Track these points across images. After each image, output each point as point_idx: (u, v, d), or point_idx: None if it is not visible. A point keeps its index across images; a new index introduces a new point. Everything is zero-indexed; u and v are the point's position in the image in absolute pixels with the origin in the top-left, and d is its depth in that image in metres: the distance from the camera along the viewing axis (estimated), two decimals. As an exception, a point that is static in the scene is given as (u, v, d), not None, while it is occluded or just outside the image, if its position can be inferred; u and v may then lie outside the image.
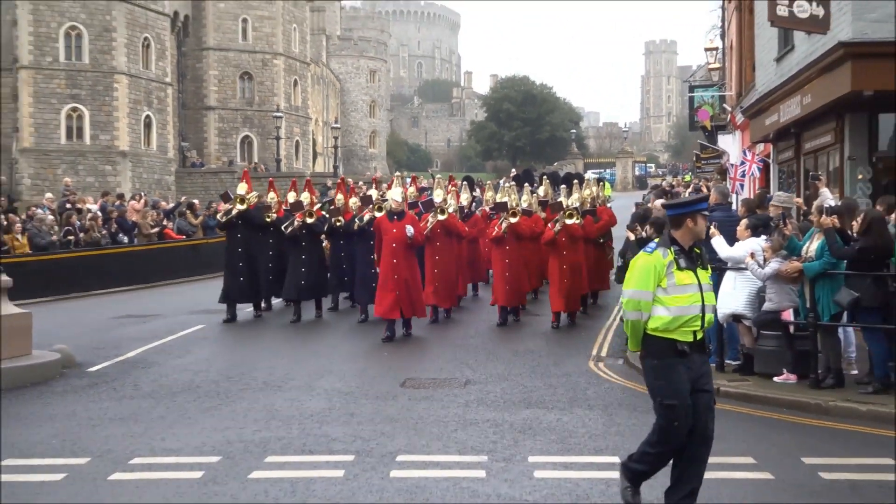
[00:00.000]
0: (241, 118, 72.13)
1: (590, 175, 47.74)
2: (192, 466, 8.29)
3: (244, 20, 71.43)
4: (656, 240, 6.79)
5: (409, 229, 15.25)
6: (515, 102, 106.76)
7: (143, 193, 38.57)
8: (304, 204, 17.89)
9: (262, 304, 18.89)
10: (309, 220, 17.53)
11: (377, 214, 16.15)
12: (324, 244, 18.65)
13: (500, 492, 7.45)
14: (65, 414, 10.69)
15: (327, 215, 18.43)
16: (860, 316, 11.24)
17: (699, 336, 6.57)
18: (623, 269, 15.69)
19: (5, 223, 23.47)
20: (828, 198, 13.62)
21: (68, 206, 28.20)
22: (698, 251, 6.68)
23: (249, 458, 8.57)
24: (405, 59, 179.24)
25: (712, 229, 12.29)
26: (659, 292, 6.48)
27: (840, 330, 11.76)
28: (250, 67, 72.09)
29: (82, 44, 55.69)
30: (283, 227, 17.70)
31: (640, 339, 6.61)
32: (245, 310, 18.47)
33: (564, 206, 16.87)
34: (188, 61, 70.35)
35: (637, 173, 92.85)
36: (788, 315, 11.83)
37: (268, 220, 18.12)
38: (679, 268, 6.50)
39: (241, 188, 18.24)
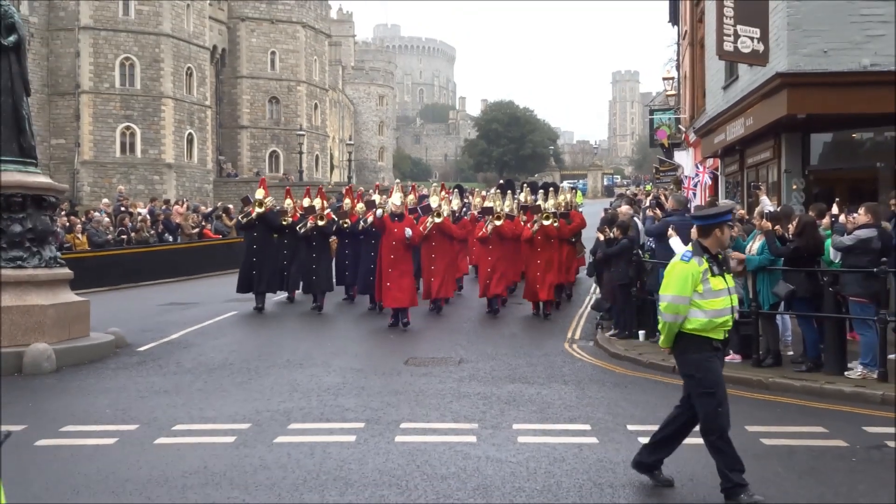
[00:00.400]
0: (269, 136, 71.89)
1: (565, 185, 47.46)
2: (225, 432, 8.25)
3: (272, 53, 71.24)
4: (689, 248, 6.49)
5: (408, 231, 15.01)
6: (502, 123, 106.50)
7: (185, 199, 38.53)
8: (317, 208, 17.66)
9: (288, 295, 18.82)
10: (320, 223, 17.34)
11: (379, 214, 15.93)
12: (331, 239, 18.43)
13: (489, 454, 7.40)
14: (117, 387, 10.64)
15: (336, 218, 18.04)
16: (795, 305, 11.24)
17: (726, 335, 6.42)
18: (595, 265, 15.68)
19: (68, 224, 23.40)
20: (766, 204, 13.62)
21: (122, 209, 28.19)
22: (721, 256, 6.45)
23: (275, 425, 8.52)
24: (409, 86, 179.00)
25: (670, 230, 12.27)
26: (695, 297, 6.23)
27: (778, 317, 11.76)
28: (277, 93, 71.87)
29: (135, 72, 55.51)
30: (297, 228, 17.59)
31: (672, 338, 6.38)
32: (273, 299, 18.53)
33: (542, 209, 16.61)
34: (224, 87, 70.17)
35: (605, 183, 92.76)
36: (734, 304, 11.78)
37: (284, 222, 17.86)
38: (713, 274, 6.27)
39: (259, 193, 17.73)
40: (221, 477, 6.84)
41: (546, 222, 16.17)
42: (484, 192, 23.43)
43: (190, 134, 58.83)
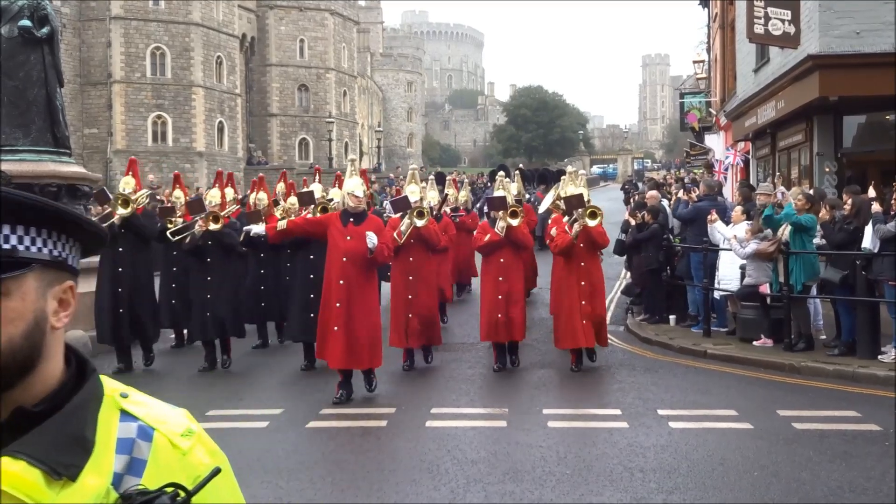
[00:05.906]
0: (298, 123, 72.14)
1: (594, 169, 46.84)
2: (259, 417, 8.34)
3: (301, 40, 71.37)
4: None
5: (372, 237, 8.58)
6: (531, 108, 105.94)
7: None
8: (211, 204, 11.24)
9: (175, 340, 12.83)
10: (213, 227, 10.53)
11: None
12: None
13: (519, 439, 7.43)
14: (152, 372, 10.78)
15: (246, 221, 11.93)
16: (835, 290, 11.10)
17: None
18: (621, 245, 15.55)
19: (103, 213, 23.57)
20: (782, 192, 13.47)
21: (155, 198, 28.42)
22: None
23: (307, 410, 8.60)
24: (437, 72, 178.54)
25: (713, 215, 12.22)
26: None
27: (809, 301, 11.67)
28: (307, 80, 72.04)
29: (165, 61, 55.97)
30: (169, 234, 11.14)
31: None
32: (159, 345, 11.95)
33: (586, 202, 10.52)
34: (254, 75, 70.43)
35: (636, 168, 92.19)
36: (765, 288, 11.73)
37: (169, 225, 11.37)
38: None
39: (127, 184, 11.17)
40: (255, 461, 6.92)
41: (592, 222, 10.24)
42: (464, 178, 18.25)
43: (220, 122, 59.22)
